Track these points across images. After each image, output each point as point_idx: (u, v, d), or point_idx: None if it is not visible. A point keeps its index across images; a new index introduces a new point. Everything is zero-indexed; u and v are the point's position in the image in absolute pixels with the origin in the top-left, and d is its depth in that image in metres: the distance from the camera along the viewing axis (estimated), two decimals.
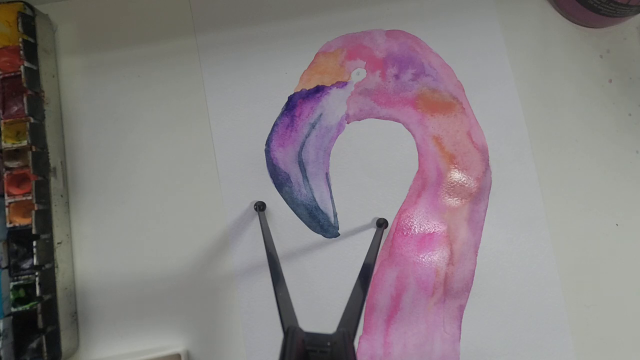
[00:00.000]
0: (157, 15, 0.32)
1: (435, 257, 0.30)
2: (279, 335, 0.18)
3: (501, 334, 0.30)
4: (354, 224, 0.31)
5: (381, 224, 0.30)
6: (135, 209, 0.31)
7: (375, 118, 0.31)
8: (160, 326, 0.30)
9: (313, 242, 0.30)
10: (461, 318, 0.30)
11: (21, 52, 0.28)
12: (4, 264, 0.28)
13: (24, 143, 0.28)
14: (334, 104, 0.31)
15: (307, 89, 0.31)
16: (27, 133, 0.28)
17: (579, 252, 0.30)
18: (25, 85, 0.28)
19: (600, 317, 0.30)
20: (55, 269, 0.28)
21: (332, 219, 0.31)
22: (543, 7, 0.33)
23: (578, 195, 0.31)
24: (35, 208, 0.27)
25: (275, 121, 0.31)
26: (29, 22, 0.29)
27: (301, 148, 0.31)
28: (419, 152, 0.31)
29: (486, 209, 0.31)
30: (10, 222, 0.27)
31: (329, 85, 0.31)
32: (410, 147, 0.31)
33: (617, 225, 0.31)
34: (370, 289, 0.30)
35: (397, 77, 0.32)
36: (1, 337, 0.26)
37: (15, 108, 0.29)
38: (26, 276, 0.27)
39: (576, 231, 0.31)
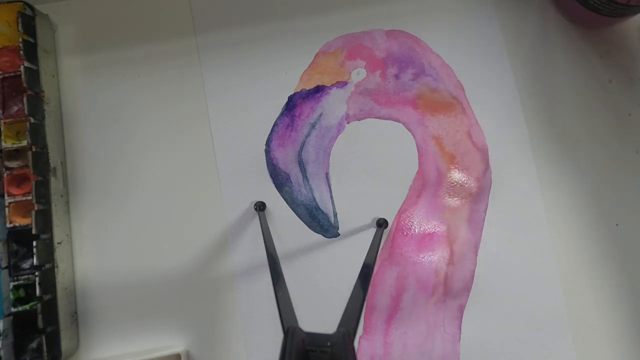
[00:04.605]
0: (157, 15, 0.32)
1: (435, 257, 0.30)
2: (279, 335, 0.18)
3: (501, 334, 0.30)
4: (354, 224, 0.31)
5: (381, 224, 0.30)
6: (135, 208, 0.31)
7: (375, 118, 0.31)
8: (160, 326, 0.30)
9: (313, 242, 0.30)
10: (461, 318, 0.30)
11: (21, 52, 0.28)
12: (4, 264, 0.28)
13: (24, 143, 0.28)
14: (334, 104, 0.31)
15: (307, 89, 0.31)
16: (27, 133, 0.28)
17: (579, 252, 0.30)
18: (25, 85, 0.28)
19: (600, 317, 0.30)
20: (55, 269, 0.28)
21: (332, 219, 0.31)
22: (543, 7, 0.33)
23: (578, 195, 0.31)
24: (35, 208, 0.27)
25: (275, 121, 0.31)
26: (29, 22, 0.29)
27: (301, 148, 0.31)
28: (419, 152, 0.31)
29: (486, 209, 0.31)
30: (10, 222, 0.27)
31: (329, 85, 0.31)
32: (410, 147, 0.31)
33: (617, 225, 0.31)
34: (370, 289, 0.30)
35: (397, 77, 0.32)
36: (1, 337, 0.26)
37: (15, 108, 0.29)
38: (26, 276, 0.27)
39: (576, 231, 0.31)
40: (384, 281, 0.30)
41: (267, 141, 0.31)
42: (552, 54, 0.32)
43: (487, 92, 0.32)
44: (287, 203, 0.31)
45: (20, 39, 0.28)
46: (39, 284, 0.27)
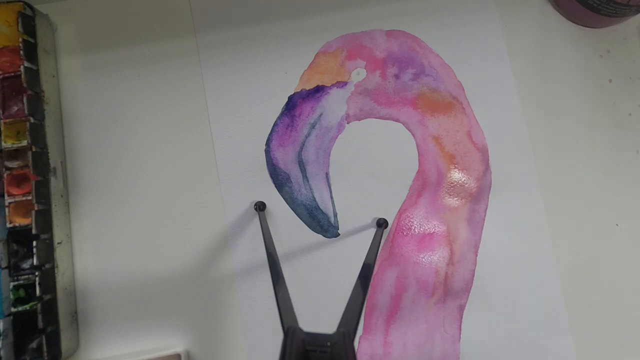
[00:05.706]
0: (157, 15, 0.32)
1: (435, 257, 0.30)
2: (279, 335, 0.18)
3: (501, 334, 0.30)
4: (354, 224, 0.31)
5: (381, 224, 0.30)
6: (135, 208, 0.31)
7: (375, 118, 0.31)
8: (160, 326, 0.30)
9: (313, 242, 0.30)
10: (461, 318, 0.30)
11: (21, 52, 0.28)
12: (4, 264, 0.28)
13: (24, 143, 0.28)
14: (334, 104, 0.31)
15: (307, 89, 0.31)
16: (27, 133, 0.28)
17: (579, 252, 0.30)
18: (25, 85, 0.28)
19: (600, 316, 0.30)
20: (55, 269, 0.28)
21: (332, 219, 0.31)
22: (543, 7, 0.33)
23: (578, 195, 0.31)
24: (35, 208, 0.27)
25: (275, 121, 0.31)
26: (29, 22, 0.29)
27: (301, 148, 0.31)
28: (419, 152, 0.31)
29: (486, 209, 0.31)
30: (10, 222, 0.27)
31: (329, 85, 0.31)
32: (410, 147, 0.31)
33: (617, 225, 0.31)
34: (370, 289, 0.30)
35: (397, 77, 0.32)
36: (1, 337, 0.26)
37: (15, 108, 0.29)
38: (26, 276, 0.27)
39: (576, 231, 0.31)
40: (384, 281, 0.30)
41: (267, 141, 0.31)
42: (552, 54, 0.32)
43: (487, 92, 0.32)
44: (287, 203, 0.31)
45: (20, 39, 0.28)
46: (39, 284, 0.27)
